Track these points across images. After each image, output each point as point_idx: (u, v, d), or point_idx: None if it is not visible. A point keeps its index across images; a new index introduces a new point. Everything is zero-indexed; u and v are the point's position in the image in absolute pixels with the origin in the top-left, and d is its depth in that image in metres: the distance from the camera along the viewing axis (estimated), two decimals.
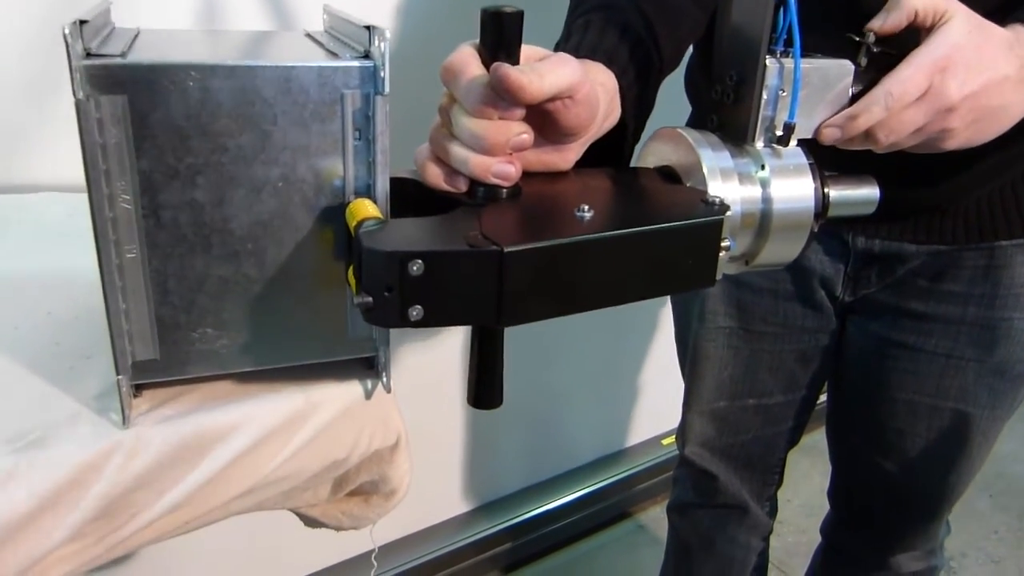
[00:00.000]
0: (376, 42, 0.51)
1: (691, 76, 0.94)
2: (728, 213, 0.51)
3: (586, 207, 0.48)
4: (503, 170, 0.48)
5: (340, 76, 0.51)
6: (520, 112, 0.48)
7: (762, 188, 0.55)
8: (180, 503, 0.55)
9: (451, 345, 1.45)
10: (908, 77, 0.57)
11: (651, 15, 0.65)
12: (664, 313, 1.77)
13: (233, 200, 0.52)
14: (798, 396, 1.05)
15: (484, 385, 0.50)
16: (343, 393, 0.60)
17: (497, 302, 0.43)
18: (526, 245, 0.43)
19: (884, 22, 0.58)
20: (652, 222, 0.48)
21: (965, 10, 0.59)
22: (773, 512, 1.21)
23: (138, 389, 0.57)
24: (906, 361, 0.91)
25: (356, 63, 0.52)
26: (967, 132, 0.60)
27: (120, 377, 0.52)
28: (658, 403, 1.89)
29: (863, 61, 0.59)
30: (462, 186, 0.50)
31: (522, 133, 0.49)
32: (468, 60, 0.49)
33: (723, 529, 1.17)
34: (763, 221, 0.55)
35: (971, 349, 0.87)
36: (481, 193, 0.49)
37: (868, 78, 0.59)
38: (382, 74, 0.51)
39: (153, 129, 0.49)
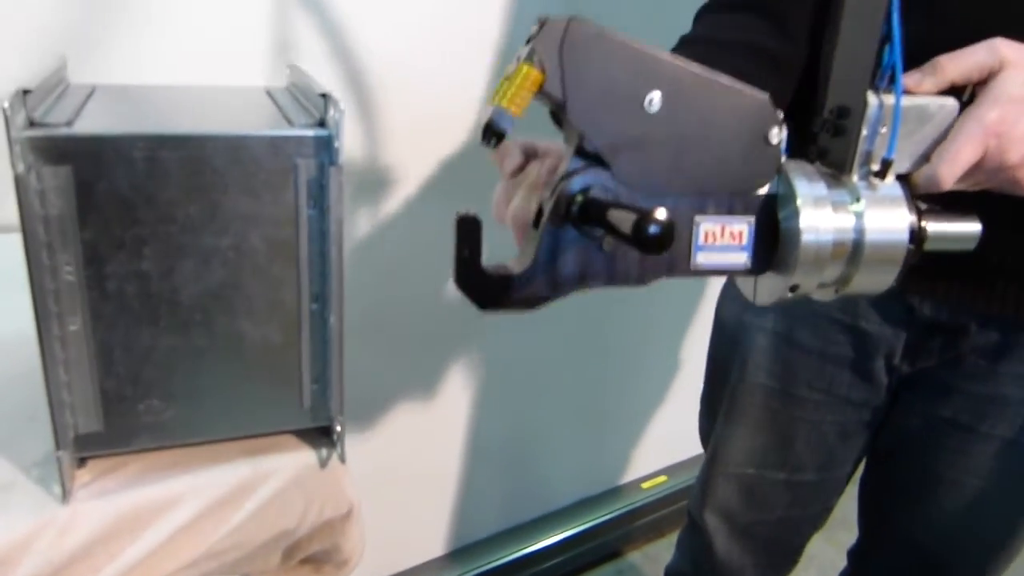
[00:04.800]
0: (331, 111, 0.50)
1: None
2: (819, 239, 0.50)
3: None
4: None
5: (293, 145, 0.50)
6: None
7: (856, 219, 0.54)
8: None
9: (418, 383, 1.43)
10: (956, 152, 0.54)
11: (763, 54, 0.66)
12: (650, 354, 1.76)
13: (182, 270, 0.51)
14: (832, 476, 0.96)
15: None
16: (294, 462, 0.58)
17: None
18: None
19: (918, 84, 0.56)
20: None
21: (1020, 54, 0.54)
22: None
23: (83, 459, 0.55)
24: (958, 440, 0.84)
25: (310, 132, 0.51)
26: None
27: (60, 452, 0.51)
28: (640, 446, 1.86)
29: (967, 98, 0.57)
30: None
31: None
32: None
33: None
34: (855, 251, 0.54)
35: None
36: None
37: None
38: (336, 144, 0.50)
39: (98, 200, 0.48)
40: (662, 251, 0.38)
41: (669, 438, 1.87)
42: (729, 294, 1.02)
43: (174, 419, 0.54)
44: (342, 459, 0.58)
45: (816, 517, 1.02)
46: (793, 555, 1.08)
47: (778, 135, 0.49)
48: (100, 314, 0.50)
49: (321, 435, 0.59)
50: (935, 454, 0.88)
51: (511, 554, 1.68)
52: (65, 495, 0.51)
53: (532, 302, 0.45)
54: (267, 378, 0.55)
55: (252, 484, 0.56)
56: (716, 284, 1.71)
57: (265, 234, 0.51)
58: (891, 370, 0.88)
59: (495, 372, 1.48)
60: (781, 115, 0.49)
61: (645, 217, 0.37)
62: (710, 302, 1.73)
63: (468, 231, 0.41)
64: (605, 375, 1.70)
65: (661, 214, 0.38)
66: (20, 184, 0.45)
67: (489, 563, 1.65)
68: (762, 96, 0.48)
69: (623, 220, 0.39)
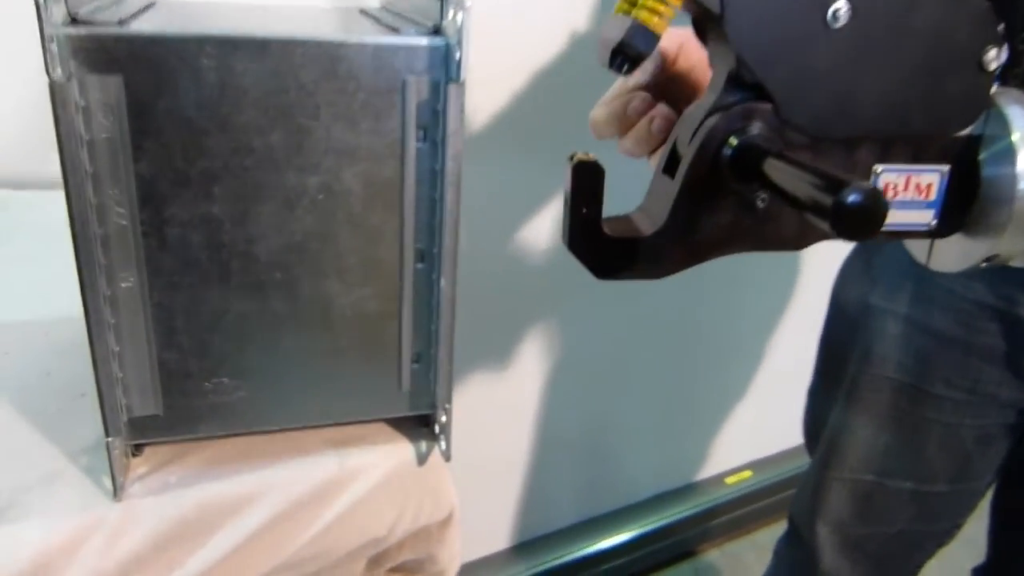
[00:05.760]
0: (451, 14, 0.39)
1: None
2: None
3: None
4: None
5: (402, 57, 0.39)
6: None
7: None
8: None
9: (489, 363, 1.34)
10: None
11: None
12: (739, 340, 1.64)
13: (259, 216, 0.40)
14: (967, 488, 0.84)
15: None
16: (387, 457, 0.48)
17: None
18: None
19: None
20: None
21: None
22: None
23: (138, 447, 0.46)
24: None
25: (424, 40, 0.40)
26: None
27: (110, 439, 0.41)
28: (724, 438, 1.76)
29: None
30: None
31: None
32: None
33: None
34: None
35: None
36: None
37: None
38: (458, 55, 0.39)
39: (157, 122, 0.37)
40: (870, 236, 0.29)
41: (756, 431, 1.76)
42: (851, 271, 0.90)
43: (247, 401, 0.44)
44: (446, 456, 0.48)
45: (943, 534, 0.90)
46: (909, 574, 0.95)
47: (996, 58, 0.38)
48: (159, 269, 0.40)
49: (420, 425, 0.49)
50: None
51: (581, 550, 1.59)
52: (117, 490, 0.42)
53: (662, 271, 0.37)
54: (359, 354, 0.45)
55: (339, 482, 0.46)
56: (817, 262, 1.58)
57: (362, 172, 0.41)
58: None
59: (571, 355, 1.39)
60: (1002, 30, 0.37)
61: (846, 187, 0.28)
62: (808, 283, 1.62)
63: (587, 181, 0.33)
64: (690, 361, 1.59)
65: (867, 187, 0.28)
66: (56, 95, 0.35)
67: (557, 559, 1.57)
68: (981, 4, 0.37)
69: (804, 186, 0.30)
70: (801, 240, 0.39)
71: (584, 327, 1.38)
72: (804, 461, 1.76)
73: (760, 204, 0.36)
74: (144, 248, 0.39)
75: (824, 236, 0.39)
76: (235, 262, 0.41)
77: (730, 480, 1.77)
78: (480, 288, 1.18)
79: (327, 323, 0.43)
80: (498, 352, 1.34)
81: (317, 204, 0.41)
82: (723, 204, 0.36)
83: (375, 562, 0.54)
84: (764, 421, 1.73)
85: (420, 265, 0.43)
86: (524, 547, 1.57)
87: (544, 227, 1.22)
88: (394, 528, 0.50)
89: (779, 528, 1.31)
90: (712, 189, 0.35)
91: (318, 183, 0.40)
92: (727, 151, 0.35)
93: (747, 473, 1.78)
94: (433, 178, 0.42)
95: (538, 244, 1.23)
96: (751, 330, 1.67)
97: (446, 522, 0.52)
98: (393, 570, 0.56)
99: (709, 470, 1.78)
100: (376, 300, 0.44)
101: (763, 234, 0.37)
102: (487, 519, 1.52)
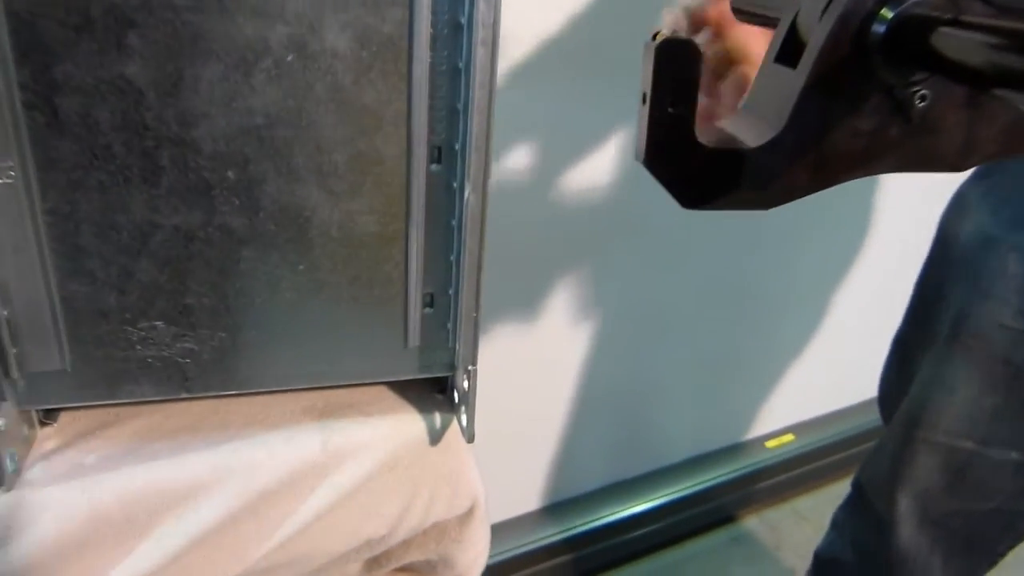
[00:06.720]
0: None
1: None
2: None
3: None
4: None
5: None
6: None
7: None
8: None
9: (520, 313, 1.24)
10: None
11: None
12: (792, 296, 1.53)
13: (199, 85, 0.27)
14: None
15: None
16: (388, 434, 0.36)
17: None
18: None
19: None
20: None
21: None
22: None
23: (49, 413, 0.34)
24: None
25: None
26: None
27: None
28: (767, 400, 1.67)
29: None
30: None
31: None
32: None
33: None
34: None
35: None
36: None
37: None
38: None
39: None
40: None
41: (800, 392, 1.68)
42: (965, 199, 0.79)
43: (193, 355, 0.32)
44: (468, 435, 0.35)
45: None
46: (996, 557, 0.85)
47: None
48: (51, 159, 0.27)
49: (433, 391, 0.37)
50: None
51: (615, 513, 1.54)
52: (3, 476, 0.30)
53: (774, 196, 0.29)
54: (350, 292, 0.32)
55: (321, 467, 0.35)
56: (887, 208, 1.44)
57: (352, 24, 0.28)
58: None
59: (606, 305, 1.30)
60: None
61: None
62: (874, 231, 1.49)
63: (677, 67, 0.26)
64: (734, 316, 1.51)
65: None
66: None
67: (588, 522, 1.52)
68: None
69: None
70: (966, 156, 0.31)
71: (621, 275, 1.28)
72: (850, 425, 1.66)
73: (919, 104, 0.29)
74: (28, 126, 0.27)
75: (997, 152, 0.31)
76: (165, 152, 0.28)
77: (771, 444, 1.69)
78: (507, 228, 1.07)
79: (303, 247, 0.31)
80: (527, 300, 1.24)
81: (285, 69, 0.28)
82: (866, 104, 0.29)
83: (375, 562, 0.43)
84: (809, 382, 1.64)
85: (436, 167, 0.30)
86: (553, 509, 1.51)
87: (582, 162, 1.11)
88: (397, 527, 0.38)
89: (821, 495, 1.20)
90: (852, 82, 0.28)
91: (286, 37, 0.27)
92: (878, 27, 0.27)
93: (789, 437, 1.70)
94: (456, 35, 0.28)
95: (575, 181, 1.13)
96: (804, 284, 1.56)
97: (467, 517, 0.40)
98: (400, 570, 0.45)
99: (749, 432, 1.72)
100: (373, 216, 0.31)
101: (917, 147, 0.30)
102: (515, 479, 1.46)
